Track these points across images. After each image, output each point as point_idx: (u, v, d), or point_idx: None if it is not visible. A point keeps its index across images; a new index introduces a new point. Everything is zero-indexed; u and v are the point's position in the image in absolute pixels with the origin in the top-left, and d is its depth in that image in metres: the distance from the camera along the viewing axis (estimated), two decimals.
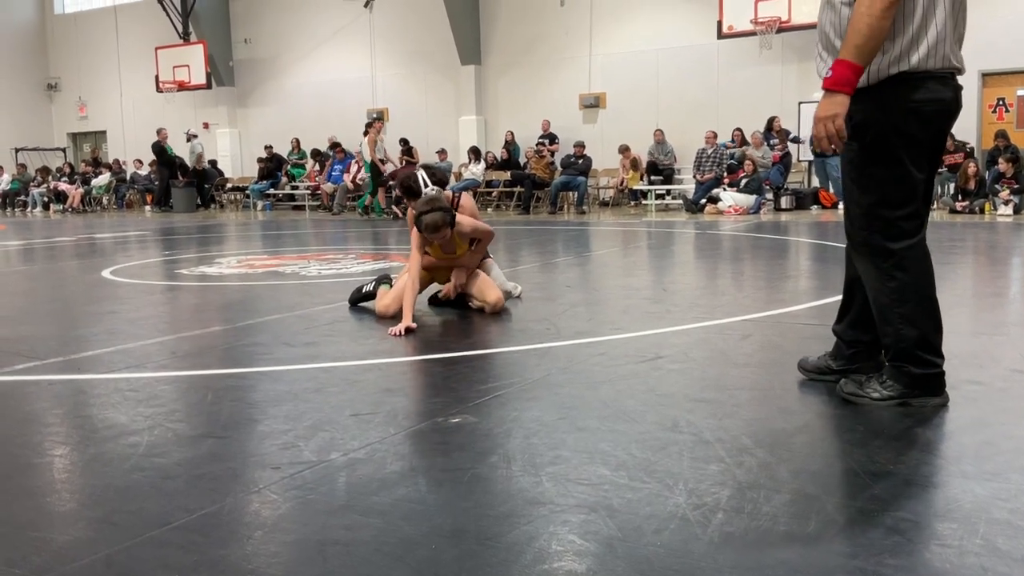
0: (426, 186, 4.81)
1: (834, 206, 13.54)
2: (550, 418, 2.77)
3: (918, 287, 2.72)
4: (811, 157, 14.44)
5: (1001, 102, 14.17)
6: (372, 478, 2.26)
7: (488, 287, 4.79)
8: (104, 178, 21.36)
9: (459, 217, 4.70)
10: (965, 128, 13.70)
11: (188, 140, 19.76)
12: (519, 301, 5.15)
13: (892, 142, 2.62)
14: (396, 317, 4.54)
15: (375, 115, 17.20)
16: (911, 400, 2.74)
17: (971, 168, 12.26)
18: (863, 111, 2.61)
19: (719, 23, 15.05)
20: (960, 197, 12.30)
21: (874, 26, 2.48)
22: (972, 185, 12.22)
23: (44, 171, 22.36)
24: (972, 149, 13.20)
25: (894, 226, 2.68)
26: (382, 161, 15.51)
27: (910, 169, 2.65)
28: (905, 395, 2.75)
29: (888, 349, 2.79)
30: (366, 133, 15.73)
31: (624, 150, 16.22)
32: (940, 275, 6.42)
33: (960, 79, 2.73)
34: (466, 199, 4.99)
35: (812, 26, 14.24)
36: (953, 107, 2.68)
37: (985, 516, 1.93)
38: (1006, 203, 11.81)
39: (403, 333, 4.24)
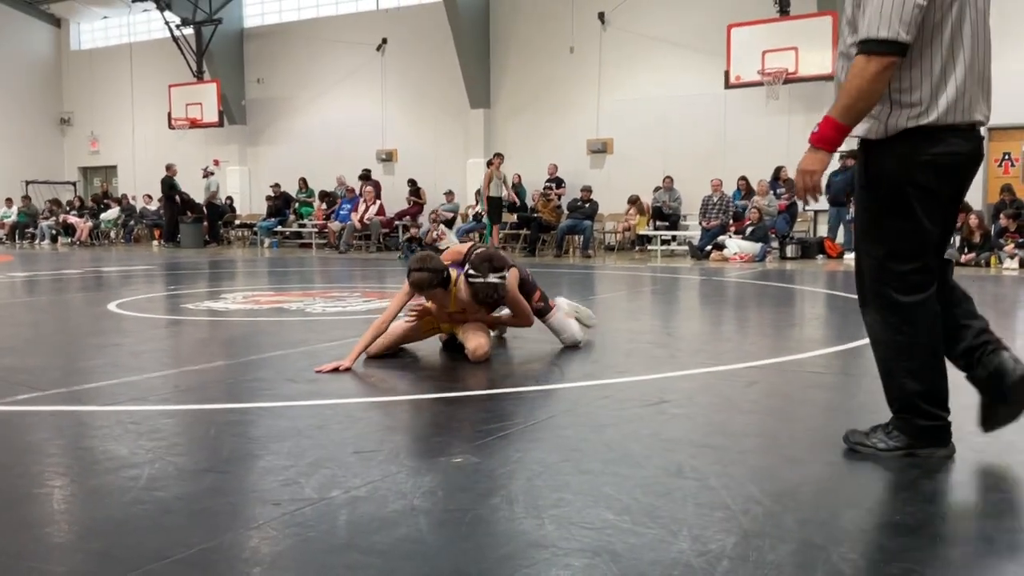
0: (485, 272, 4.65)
1: (840, 256, 13.55)
2: (553, 460, 2.75)
3: (926, 343, 2.66)
4: (824, 206, 14.46)
5: (1007, 156, 14.24)
6: (373, 517, 2.24)
7: (472, 334, 4.61)
8: (113, 212, 21.50)
9: (508, 286, 4.68)
10: (972, 182, 13.75)
11: (204, 176, 19.93)
12: (511, 344, 5.14)
13: (907, 194, 2.58)
14: (381, 356, 4.66)
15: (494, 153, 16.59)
16: (918, 451, 2.70)
17: (973, 220, 12.28)
18: (878, 163, 2.60)
19: (726, 73, 15.20)
20: (966, 250, 12.31)
21: (864, 89, 2.48)
22: (977, 238, 12.24)
23: (55, 203, 22.50)
24: (967, 205, 13.20)
25: (905, 279, 2.63)
26: (492, 198, 15.08)
27: (923, 222, 2.60)
28: (911, 446, 2.70)
29: (893, 401, 2.75)
30: (489, 164, 15.71)
31: (634, 200, 16.31)
32: None
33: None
34: (513, 276, 4.76)
35: (818, 78, 14.41)
36: (972, 159, 2.65)
37: (991, 542, 1.91)
38: (1011, 257, 11.82)
39: (330, 370, 4.25)
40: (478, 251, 4.81)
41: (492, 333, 4.95)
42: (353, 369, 4.38)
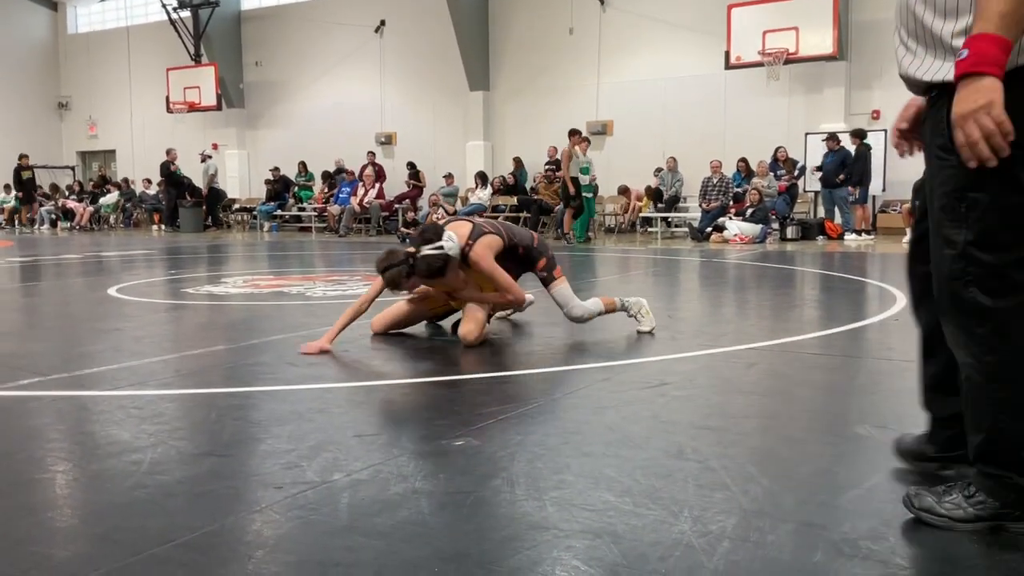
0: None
1: (840, 237, 13.54)
2: (554, 442, 2.76)
3: None
4: (818, 187, 14.45)
5: None
6: (374, 500, 2.25)
7: (467, 317, 4.57)
8: (112, 197, 21.47)
9: (474, 260, 4.57)
10: None
11: (203, 161, 19.89)
12: (524, 322, 5.14)
13: (1012, 156, 1.85)
14: (384, 334, 4.82)
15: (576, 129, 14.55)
16: (1008, 524, 1.99)
17: None
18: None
19: (727, 54, 15.14)
20: None
21: None
22: None
23: (53, 188, 22.47)
24: None
25: (998, 276, 1.92)
26: (572, 179, 13.62)
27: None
28: (1001, 516, 1.99)
29: (974, 450, 2.03)
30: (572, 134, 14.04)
31: (624, 191, 16.32)
32: None
33: None
34: (479, 249, 4.57)
35: (819, 58, 14.36)
36: None
37: (994, 548, 1.91)
38: None
39: (312, 351, 4.32)
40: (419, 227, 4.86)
41: (491, 314, 4.91)
42: (354, 353, 4.38)
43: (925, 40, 1.98)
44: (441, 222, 4.92)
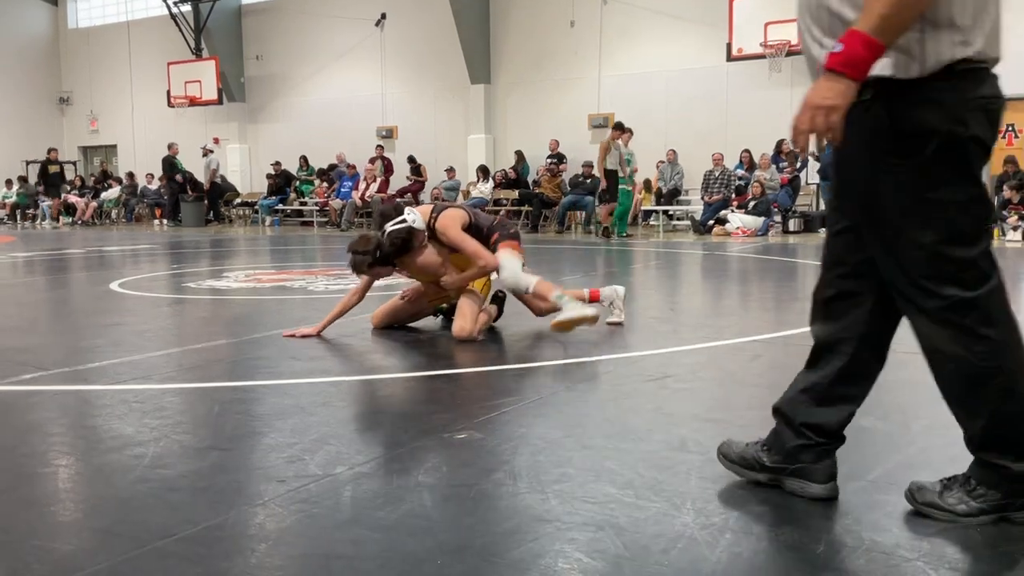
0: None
1: None
2: (556, 435, 2.76)
3: (1014, 342, 1.95)
4: (818, 180, 14.43)
5: (1011, 128, 14.16)
6: (377, 493, 2.25)
7: (460, 312, 4.55)
8: (114, 191, 21.46)
9: (441, 230, 4.59)
10: None
11: (204, 155, 19.89)
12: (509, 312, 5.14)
13: (963, 152, 1.89)
14: (385, 328, 4.82)
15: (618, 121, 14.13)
16: (1013, 515, 1.98)
17: None
18: (918, 114, 1.87)
19: (728, 46, 15.09)
20: None
21: None
22: None
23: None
24: None
25: (971, 268, 1.92)
26: (608, 171, 13.19)
27: (983, 187, 1.95)
28: (1004, 507, 1.98)
29: (974, 439, 2.01)
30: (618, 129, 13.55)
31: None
32: None
33: None
34: (444, 220, 4.60)
35: None
36: (1004, 106, 2.03)
37: (995, 541, 1.91)
38: (1014, 229, 11.79)
39: (297, 335, 4.57)
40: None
41: (490, 317, 4.88)
42: (356, 346, 4.38)
43: (837, 33, 1.90)
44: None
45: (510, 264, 4.58)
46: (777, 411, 2.24)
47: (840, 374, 2.13)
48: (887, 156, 1.91)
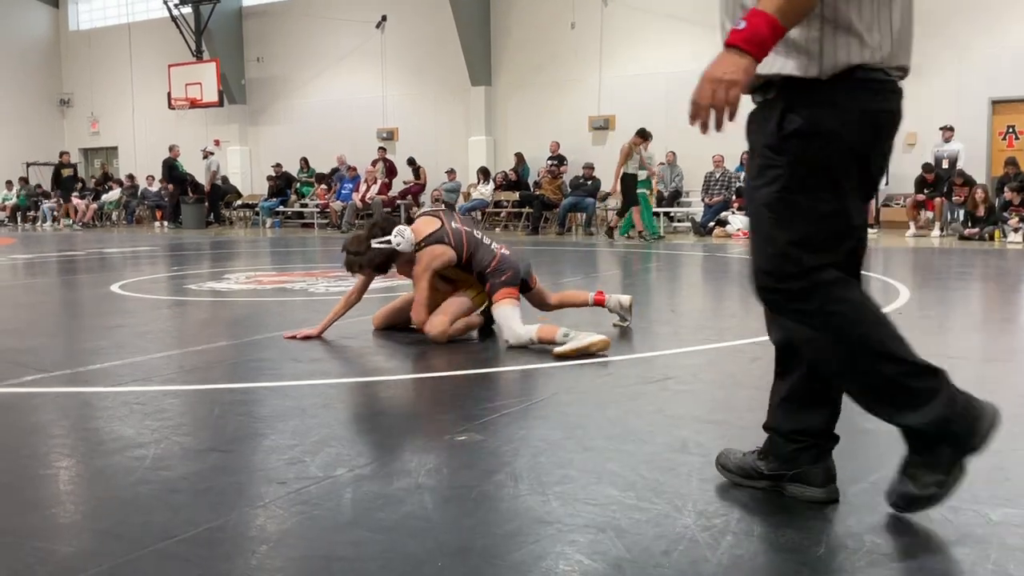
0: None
1: None
2: (557, 437, 2.75)
3: (874, 309, 1.97)
4: None
5: (1011, 129, 14.17)
6: (378, 494, 2.25)
7: (439, 311, 4.49)
8: (114, 193, 21.47)
9: (417, 259, 4.52)
10: (976, 154, 13.71)
11: (205, 157, 19.90)
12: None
13: (839, 159, 1.92)
14: (385, 329, 4.81)
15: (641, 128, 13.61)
16: (786, 485, 2.13)
17: (979, 194, 12.24)
18: (807, 115, 1.89)
19: None
20: (970, 224, 12.27)
21: None
22: (982, 212, 12.20)
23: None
24: (972, 179, 13.10)
25: (814, 274, 1.95)
26: (627, 175, 12.95)
27: (850, 201, 1.97)
28: (958, 455, 1.97)
29: (881, 415, 2.04)
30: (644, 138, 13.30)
31: None
32: (951, 301, 6.36)
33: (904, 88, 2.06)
34: (424, 255, 4.48)
35: None
36: (900, 121, 2.03)
37: (997, 542, 1.91)
38: (1015, 230, 11.79)
39: (298, 336, 4.59)
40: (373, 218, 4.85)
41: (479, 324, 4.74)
42: (357, 348, 4.38)
43: None
44: (418, 213, 4.89)
45: (507, 323, 4.33)
46: (767, 427, 2.24)
47: (810, 374, 2.13)
48: (769, 151, 1.95)
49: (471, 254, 4.52)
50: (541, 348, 4.23)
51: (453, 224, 4.57)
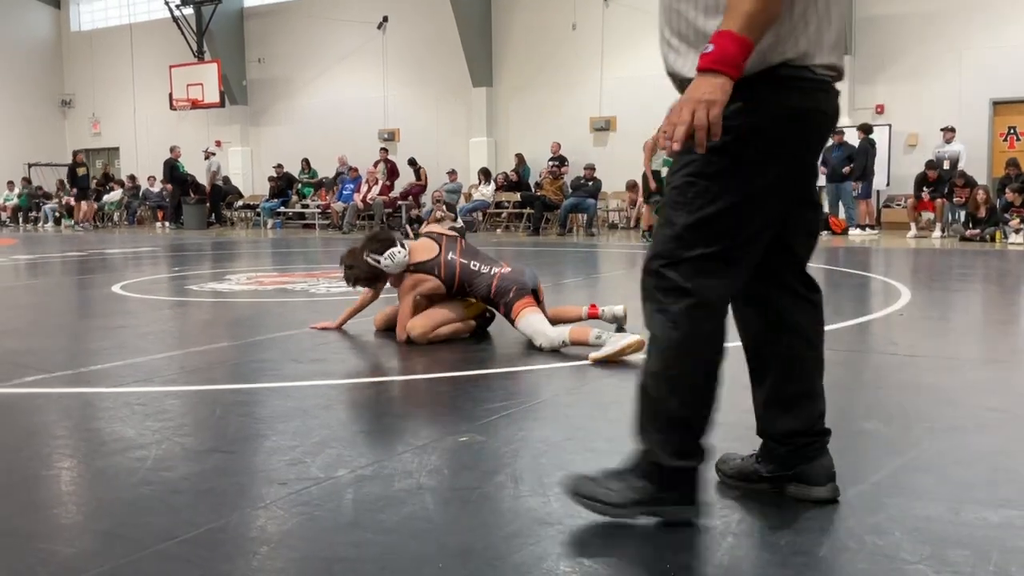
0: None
1: (844, 232, 13.52)
2: (558, 438, 2.75)
3: (704, 352, 1.98)
4: (822, 182, 14.43)
5: (1012, 131, 14.16)
6: (379, 496, 2.25)
7: (422, 315, 4.51)
8: (116, 194, 21.47)
9: (404, 280, 4.59)
10: (977, 155, 13.71)
11: (206, 158, 19.92)
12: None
13: (753, 156, 1.92)
14: (387, 330, 4.79)
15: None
16: (663, 508, 2.02)
17: (980, 195, 12.23)
18: (732, 109, 1.86)
19: None
20: (971, 225, 12.27)
21: None
22: (983, 213, 12.20)
23: (60, 185, 22.49)
24: (973, 180, 13.07)
25: (701, 262, 1.94)
26: (654, 172, 12.34)
27: (756, 200, 1.95)
28: (658, 500, 2.01)
29: (641, 430, 2.05)
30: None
31: (632, 186, 16.26)
32: (952, 302, 6.34)
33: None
34: (409, 279, 4.54)
35: None
36: (833, 121, 2.04)
37: (998, 544, 1.91)
38: (1016, 232, 11.78)
39: (318, 327, 4.89)
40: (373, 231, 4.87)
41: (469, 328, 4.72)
42: (358, 349, 4.38)
43: (689, 38, 1.98)
44: (434, 229, 4.84)
45: (536, 328, 4.29)
46: (760, 433, 2.24)
47: (785, 377, 2.14)
48: (689, 140, 1.88)
49: (465, 285, 4.54)
50: (540, 349, 4.23)
51: (450, 256, 4.54)
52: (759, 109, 1.90)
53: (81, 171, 20.57)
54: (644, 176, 12.88)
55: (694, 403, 1.98)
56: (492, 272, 4.51)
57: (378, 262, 4.52)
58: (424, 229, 5.05)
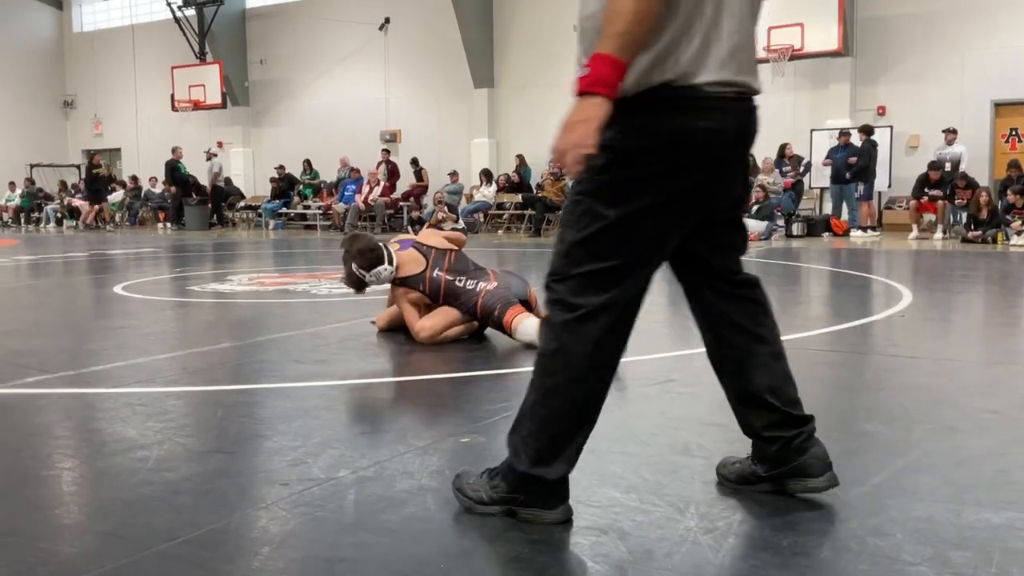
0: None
1: (846, 233, 13.51)
2: None
3: (582, 368, 2.01)
4: (824, 184, 14.43)
5: (1014, 132, 14.15)
6: (381, 496, 2.25)
7: (429, 316, 4.54)
8: (117, 195, 21.49)
9: (395, 292, 4.65)
10: (978, 156, 13.70)
11: (208, 159, 19.93)
12: None
13: (637, 176, 1.94)
14: (389, 331, 4.80)
15: None
16: (520, 510, 2.07)
17: (983, 197, 12.22)
18: (616, 130, 1.90)
19: None
20: (972, 226, 12.26)
21: (641, 8, 1.79)
22: (985, 215, 12.19)
23: (62, 186, 22.50)
24: (974, 181, 13.05)
25: (584, 282, 1.99)
26: None
27: (646, 218, 1.96)
28: (508, 500, 2.08)
29: (511, 433, 2.13)
30: None
31: None
32: (953, 304, 6.33)
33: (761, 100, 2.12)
34: (398, 291, 4.60)
35: (825, 54, 14.31)
36: (738, 138, 2.04)
37: (1000, 545, 1.91)
38: (1018, 233, 11.77)
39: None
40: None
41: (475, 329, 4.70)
42: (360, 350, 4.39)
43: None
44: (425, 239, 4.80)
45: (534, 333, 4.14)
46: (746, 434, 2.24)
47: (742, 376, 2.18)
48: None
49: (451, 299, 4.55)
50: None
51: (435, 272, 4.55)
52: (641, 130, 1.92)
53: (97, 171, 20.57)
54: None
55: (565, 416, 2.03)
56: (478, 289, 4.51)
57: (363, 276, 4.54)
58: (421, 233, 5.03)
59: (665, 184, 1.94)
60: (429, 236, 4.88)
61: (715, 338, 2.21)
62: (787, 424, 2.15)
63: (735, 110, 2.01)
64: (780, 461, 2.17)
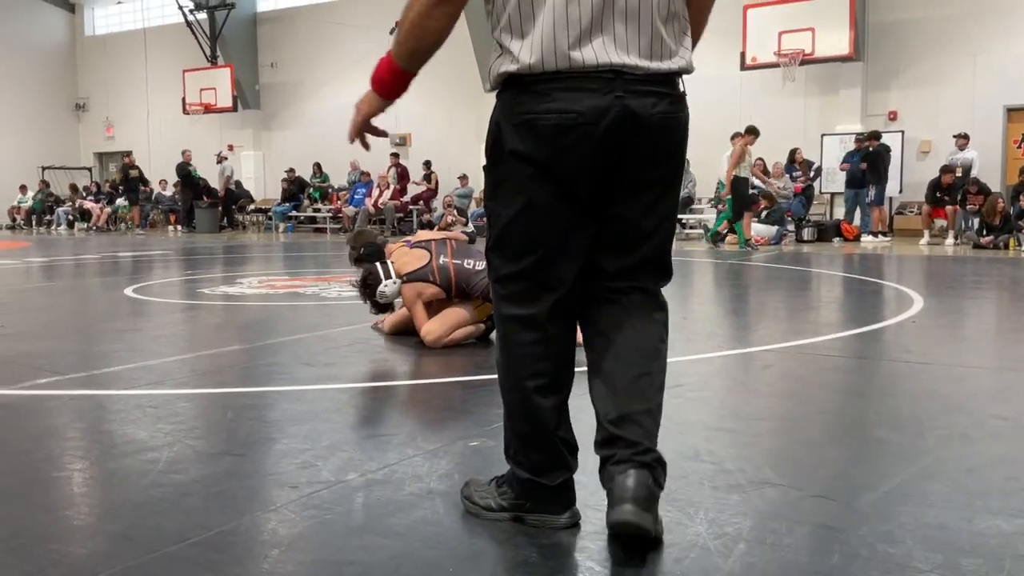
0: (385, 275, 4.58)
1: (856, 238, 13.46)
2: None
3: (517, 374, 2.03)
4: (834, 189, 14.39)
5: None
6: (390, 499, 2.25)
7: (436, 318, 4.55)
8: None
9: (403, 295, 4.62)
10: (990, 162, 13.64)
11: (219, 162, 20.01)
12: None
13: (507, 166, 1.95)
14: (397, 334, 4.80)
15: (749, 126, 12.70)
16: (526, 516, 2.06)
17: (1000, 204, 12.14)
18: (491, 126, 2.00)
19: (742, 54, 15.07)
20: (984, 232, 12.20)
21: (417, 23, 1.93)
22: (997, 220, 12.13)
23: (72, 189, 22.62)
24: (986, 187, 12.97)
25: (505, 284, 2.02)
26: (739, 178, 12.26)
27: (531, 216, 1.94)
28: (516, 507, 2.08)
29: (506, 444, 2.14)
30: (733, 138, 12.78)
31: None
32: (965, 310, 6.30)
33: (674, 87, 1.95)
34: (408, 291, 4.56)
35: (835, 59, 14.28)
36: (596, 117, 1.86)
37: (1011, 552, 1.90)
38: None
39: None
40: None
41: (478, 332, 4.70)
42: (369, 353, 4.39)
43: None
44: (422, 238, 4.82)
45: None
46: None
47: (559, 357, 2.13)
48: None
49: (464, 285, 4.55)
50: None
51: (441, 260, 4.55)
52: (503, 127, 1.95)
53: (133, 173, 20.66)
54: (733, 182, 12.36)
55: (530, 420, 2.03)
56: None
57: (371, 295, 4.59)
58: (416, 235, 5.04)
59: (542, 180, 1.92)
60: (424, 234, 4.92)
61: (589, 343, 2.17)
62: (600, 416, 2.13)
63: (598, 91, 1.85)
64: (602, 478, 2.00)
